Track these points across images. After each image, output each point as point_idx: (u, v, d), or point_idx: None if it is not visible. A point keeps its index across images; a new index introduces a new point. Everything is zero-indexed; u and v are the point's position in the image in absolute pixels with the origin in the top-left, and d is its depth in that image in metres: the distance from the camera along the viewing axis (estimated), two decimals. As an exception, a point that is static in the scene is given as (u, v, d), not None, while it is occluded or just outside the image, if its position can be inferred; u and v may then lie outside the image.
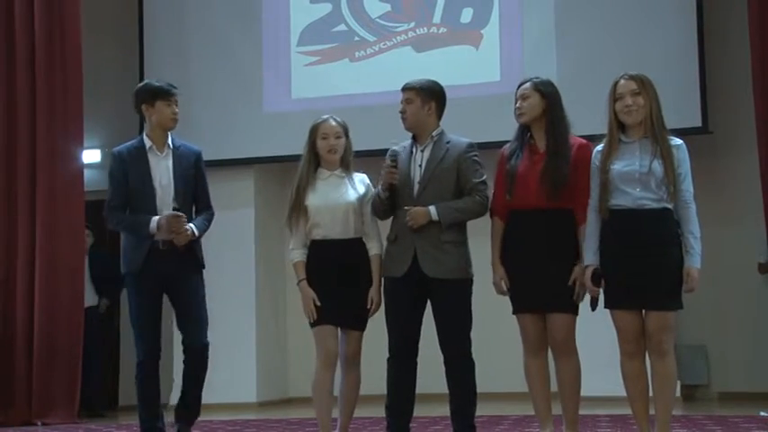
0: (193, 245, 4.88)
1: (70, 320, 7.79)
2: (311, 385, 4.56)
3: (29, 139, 7.91)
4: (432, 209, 4.38)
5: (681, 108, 7.42)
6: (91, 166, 9.11)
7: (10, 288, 7.78)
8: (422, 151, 4.52)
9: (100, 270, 8.63)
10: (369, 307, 4.56)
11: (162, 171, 4.87)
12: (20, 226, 7.84)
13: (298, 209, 4.58)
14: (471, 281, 4.49)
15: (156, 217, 4.77)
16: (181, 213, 4.76)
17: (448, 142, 4.51)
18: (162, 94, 4.88)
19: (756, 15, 7.08)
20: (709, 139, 7.94)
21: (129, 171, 4.86)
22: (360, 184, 4.67)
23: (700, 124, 7.77)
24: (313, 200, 4.57)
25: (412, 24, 8.63)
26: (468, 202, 4.42)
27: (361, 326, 4.59)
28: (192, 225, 4.85)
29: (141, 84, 4.98)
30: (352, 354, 4.59)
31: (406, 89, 4.58)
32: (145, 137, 4.94)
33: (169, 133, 4.97)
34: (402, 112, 4.55)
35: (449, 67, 8.27)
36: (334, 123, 4.65)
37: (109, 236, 9.52)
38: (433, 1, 8.57)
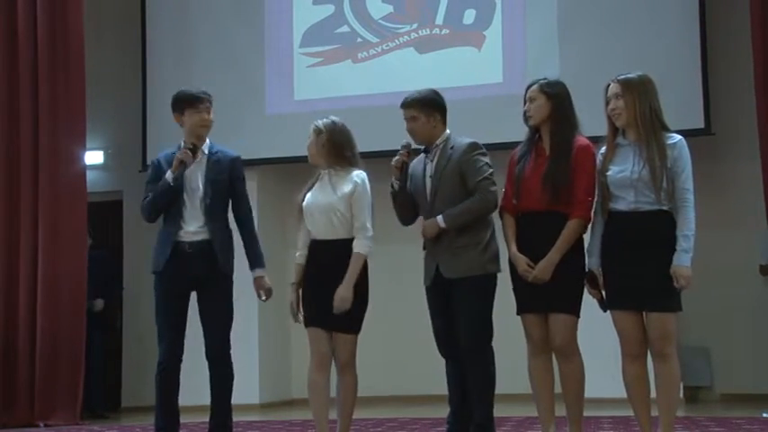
0: (217, 249, 4.82)
1: (72, 322, 7.80)
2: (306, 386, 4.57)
3: (31, 141, 7.91)
4: (439, 218, 4.43)
5: (683, 109, 7.42)
6: (93, 167, 9.13)
7: (12, 289, 7.79)
8: (431, 161, 4.57)
9: (99, 271, 8.63)
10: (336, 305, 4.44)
11: (193, 176, 4.86)
12: (22, 227, 7.85)
13: (298, 211, 4.65)
14: (491, 277, 4.46)
15: (168, 172, 4.78)
16: (188, 150, 4.79)
17: (452, 147, 4.52)
18: (190, 101, 4.89)
19: (759, 16, 7.07)
20: (712, 140, 7.93)
21: (163, 176, 4.85)
22: (347, 182, 4.56)
23: (702, 126, 7.77)
24: (306, 201, 4.62)
25: (414, 26, 8.63)
26: (471, 201, 4.43)
27: (350, 329, 4.53)
28: (259, 272, 4.93)
29: (175, 93, 5.00)
30: (344, 357, 4.54)
31: (407, 106, 4.57)
32: (182, 143, 4.94)
33: (208, 139, 4.97)
34: (410, 131, 4.57)
35: (451, 68, 8.28)
36: (316, 124, 4.66)
37: (110, 238, 9.59)
38: (435, 2, 8.57)
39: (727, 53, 8.12)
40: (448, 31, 8.53)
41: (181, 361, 4.85)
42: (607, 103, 4.21)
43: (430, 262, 4.55)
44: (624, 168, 4.13)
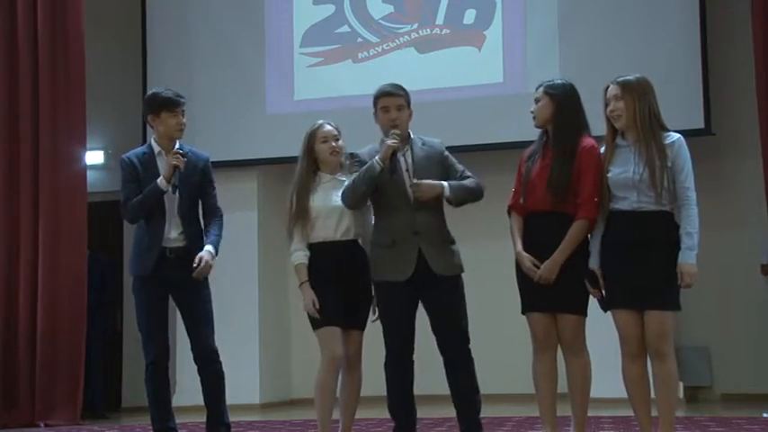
0: (195, 255, 4.86)
1: (72, 322, 7.80)
2: (314, 387, 4.55)
3: (32, 141, 7.92)
4: (445, 185, 4.39)
5: (684, 110, 7.43)
6: (94, 167, 9.13)
7: (13, 289, 7.79)
8: (403, 155, 4.51)
9: (97, 276, 8.61)
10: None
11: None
12: (22, 227, 7.85)
13: (301, 213, 4.58)
14: None
15: (160, 178, 4.77)
16: (179, 153, 4.79)
17: (423, 144, 4.55)
18: (168, 105, 4.86)
19: (760, 16, 7.07)
20: (712, 140, 7.93)
21: (140, 175, 4.85)
22: None
23: (702, 126, 7.77)
24: (317, 203, 4.58)
25: (415, 26, 8.63)
26: (471, 182, 4.47)
27: (362, 325, 4.61)
28: (208, 248, 4.85)
29: (149, 93, 4.98)
30: (353, 354, 4.59)
31: (397, 95, 4.58)
32: (153, 143, 4.94)
33: (177, 140, 4.97)
34: (394, 121, 4.53)
35: (452, 68, 8.28)
36: (331, 127, 4.71)
37: (112, 239, 9.57)
38: (436, 2, 8.57)
39: (727, 53, 8.12)
40: (448, 31, 8.53)
41: (168, 359, 4.94)
42: (606, 105, 4.22)
43: (406, 256, 4.40)
44: (626, 170, 4.13)
